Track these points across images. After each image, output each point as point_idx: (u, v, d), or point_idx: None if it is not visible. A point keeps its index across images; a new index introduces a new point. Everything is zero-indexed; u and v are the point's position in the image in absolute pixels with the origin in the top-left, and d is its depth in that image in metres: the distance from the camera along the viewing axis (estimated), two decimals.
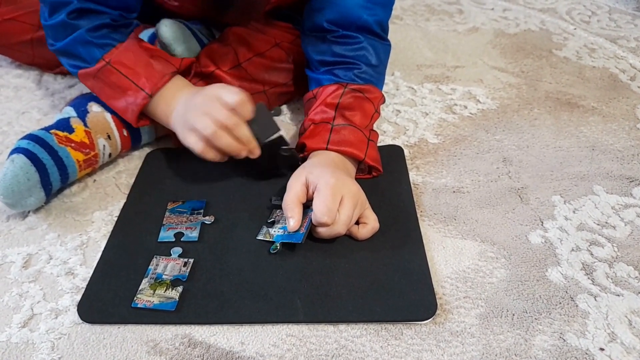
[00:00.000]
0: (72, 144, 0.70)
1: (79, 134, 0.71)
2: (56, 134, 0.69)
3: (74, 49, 0.70)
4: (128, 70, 0.69)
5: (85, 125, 0.72)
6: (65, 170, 0.69)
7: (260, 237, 0.63)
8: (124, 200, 0.70)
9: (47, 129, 0.70)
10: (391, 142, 0.83)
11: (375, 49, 0.77)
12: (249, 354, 0.52)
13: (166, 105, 0.70)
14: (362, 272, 0.59)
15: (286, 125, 0.87)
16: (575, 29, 1.21)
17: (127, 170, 0.76)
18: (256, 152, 0.67)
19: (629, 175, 0.77)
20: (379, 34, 0.78)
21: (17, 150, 0.66)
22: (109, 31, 0.71)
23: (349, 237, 0.63)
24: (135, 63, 0.70)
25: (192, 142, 0.64)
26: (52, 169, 0.67)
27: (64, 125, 0.71)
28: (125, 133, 0.75)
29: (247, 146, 0.65)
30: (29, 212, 0.69)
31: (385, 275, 0.59)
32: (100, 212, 0.69)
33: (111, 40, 0.70)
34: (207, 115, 0.63)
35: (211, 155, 0.65)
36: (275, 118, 0.70)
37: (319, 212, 0.59)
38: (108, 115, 0.74)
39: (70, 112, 0.74)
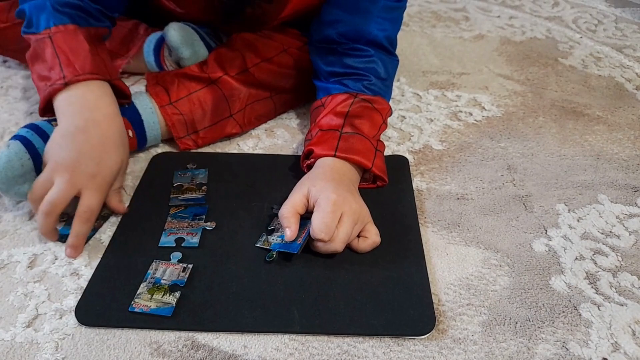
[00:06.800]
0: None
1: None
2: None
3: (30, 10, 0.68)
4: (61, 50, 0.66)
5: None
6: None
7: (258, 245, 0.63)
8: (128, 203, 0.71)
9: (50, 120, 0.70)
10: (396, 148, 0.83)
11: (384, 63, 0.78)
12: (252, 357, 0.53)
13: (67, 104, 0.65)
14: (361, 285, 0.59)
15: (292, 130, 0.87)
16: (581, 37, 1.21)
17: (133, 173, 0.77)
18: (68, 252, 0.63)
19: (634, 185, 0.77)
20: (387, 49, 0.79)
21: (15, 137, 0.67)
22: (71, 10, 0.68)
23: (349, 249, 0.62)
24: (73, 46, 0.66)
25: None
26: None
27: None
28: (130, 134, 0.75)
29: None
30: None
31: (385, 288, 0.58)
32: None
33: (65, 18, 0.67)
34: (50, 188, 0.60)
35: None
36: None
37: (316, 228, 0.58)
38: None
39: None
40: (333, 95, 0.76)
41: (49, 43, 0.66)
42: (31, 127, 0.68)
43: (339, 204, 0.60)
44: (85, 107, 0.65)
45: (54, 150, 0.63)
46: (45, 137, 0.67)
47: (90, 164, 0.61)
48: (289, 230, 0.60)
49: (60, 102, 0.65)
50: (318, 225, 0.58)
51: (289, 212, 0.61)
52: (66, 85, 0.65)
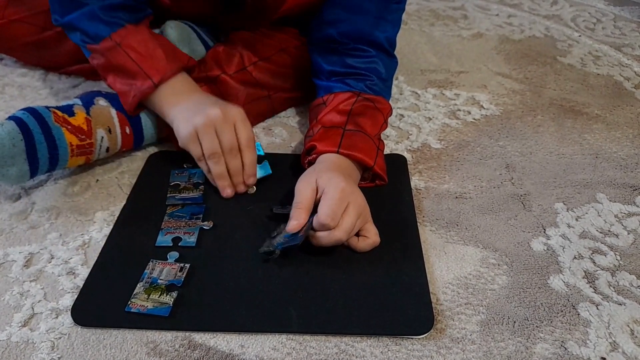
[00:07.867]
0: (69, 126, 0.69)
1: (78, 119, 0.70)
2: (55, 113, 0.68)
3: (80, 23, 0.71)
4: (137, 56, 0.71)
5: (87, 113, 0.71)
6: (56, 151, 0.68)
7: (263, 249, 0.61)
8: (125, 202, 0.70)
9: (48, 107, 0.70)
10: (394, 147, 0.83)
11: (384, 64, 0.78)
12: (249, 357, 0.52)
13: (173, 96, 0.71)
14: (360, 285, 0.58)
15: (291, 129, 0.87)
16: (580, 36, 1.21)
17: (130, 171, 0.76)
18: (251, 181, 0.70)
19: (633, 184, 0.77)
20: (387, 50, 0.79)
21: (10, 117, 0.66)
22: (120, 12, 0.71)
23: (348, 249, 0.62)
24: (146, 50, 0.71)
25: (191, 145, 0.68)
26: (40, 144, 0.66)
27: (65, 108, 0.71)
28: (127, 131, 0.75)
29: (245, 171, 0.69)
30: (31, 210, 0.69)
31: (383, 288, 0.58)
32: (102, 213, 0.69)
33: (120, 20, 0.71)
34: (214, 133, 0.66)
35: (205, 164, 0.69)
36: None
37: (323, 213, 0.57)
38: (113, 111, 0.74)
39: (76, 101, 0.74)
40: (335, 93, 0.75)
41: (120, 52, 0.71)
42: (28, 109, 0.68)
43: (347, 193, 0.60)
44: (182, 96, 0.72)
45: (186, 122, 0.68)
46: (40, 120, 0.67)
47: (217, 106, 0.67)
48: (296, 221, 0.59)
49: (157, 100, 0.72)
50: (325, 212, 0.57)
51: (302, 205, 0.60)
52: (156, 87, 0.71)
